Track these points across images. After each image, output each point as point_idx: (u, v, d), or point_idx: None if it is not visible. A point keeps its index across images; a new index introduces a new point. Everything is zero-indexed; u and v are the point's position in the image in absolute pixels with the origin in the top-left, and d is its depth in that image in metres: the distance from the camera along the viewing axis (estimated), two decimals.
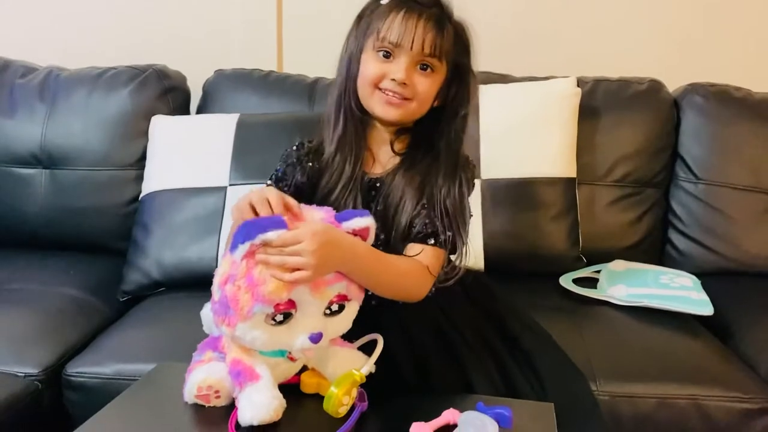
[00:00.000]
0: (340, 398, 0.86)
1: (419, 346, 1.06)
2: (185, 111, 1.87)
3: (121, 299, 1.60)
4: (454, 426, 0.85)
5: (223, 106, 1.80)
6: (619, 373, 1.24)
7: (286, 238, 0.86)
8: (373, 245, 0.98)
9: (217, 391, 0.90)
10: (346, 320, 0.95)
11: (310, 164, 1.13)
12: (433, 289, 1.07)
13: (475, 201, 1.54)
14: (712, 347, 1.36)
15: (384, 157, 1.14)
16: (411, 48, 1.04)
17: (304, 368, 0.96)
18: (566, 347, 1.16)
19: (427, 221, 1.06)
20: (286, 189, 1.11)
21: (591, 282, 1.58)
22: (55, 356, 1.31)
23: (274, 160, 1.18)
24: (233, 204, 0.94)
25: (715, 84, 1.79)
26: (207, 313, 0.98)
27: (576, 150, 1.67)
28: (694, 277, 1.59)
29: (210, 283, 0.91)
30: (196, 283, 1.46)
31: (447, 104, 1.12)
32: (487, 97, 1.63)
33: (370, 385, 0.91)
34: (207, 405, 0.90)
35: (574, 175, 1.66)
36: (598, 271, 1.62)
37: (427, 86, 1.07)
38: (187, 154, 1.68)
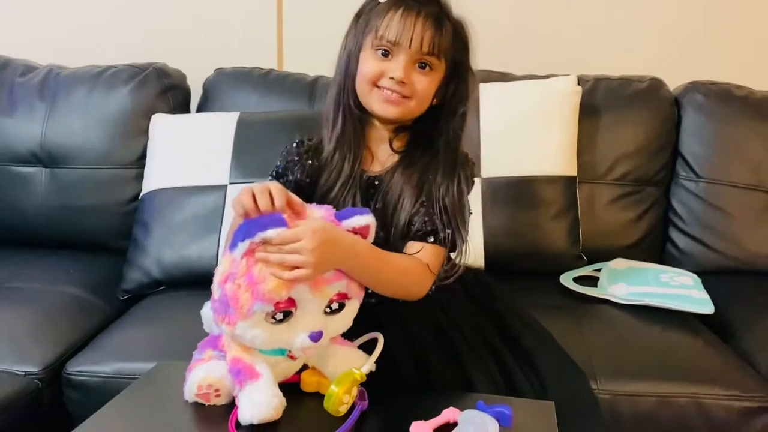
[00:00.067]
0: (340, 397, 0.86)
1: (419, 345, 1.06)
2: (185, 109, 1.87)
3: (121, 298, 1.60)
4: (455, 425, 0.85)
5: (223, 105, 1.80)
6: (619, 372, 1.24)
7: (286, 236, 0.86)
8: (372, 243, 0.98)
9: (217, 390, 0.89)
10: (346, 319, 0.94)
11: (310, 162, 1.13)
12: (433, 287, 1.07)
13: (475, 199, 1.54)
14: (713, 346, 1.36)
15: (383, 155, 1.14)
16: (409, 46, 1.04)
17: (305, 367, 0.96)
18: (567, 346, 1.16)
19: (426, 219, 1.06)
20: (285, 186, 1.10)
21: (591, 280, 1.58)
22: (55, 355, 1.31)
23: (274, 159, 1.18)
24: (235, 197, 0.93)
25: (716, 82, 1.79)
26: (207, 311, 0.98)
27: (576, 148, 1.67)
28: (694, 275, 1.59)
29: (210, 281, 0.90)
30: (197, 282, 1.47)
31: (446, 102, 1.12)
32: (488, 95, 1.64)
33: (370, 383, 0.90)
34: (207, 404, 0.90)
35: (574, 173, 1.66)
36: (599, 270, 1.62)
37: (425, 84, 1.07)
38: (187, 152, 1.68)
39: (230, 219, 1.12)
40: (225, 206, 1.58)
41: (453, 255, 1.10)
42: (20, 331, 1.36)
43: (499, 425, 0.84)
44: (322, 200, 1.08)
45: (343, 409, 0.87)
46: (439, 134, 1.11)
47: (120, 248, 1.70)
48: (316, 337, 0.89)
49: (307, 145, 1.15)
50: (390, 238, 1.07)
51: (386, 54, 1.06)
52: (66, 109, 1.77)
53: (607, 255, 1.66)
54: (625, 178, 1.72)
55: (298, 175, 1.12)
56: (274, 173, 1.14)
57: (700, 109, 1.75)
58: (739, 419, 1.20)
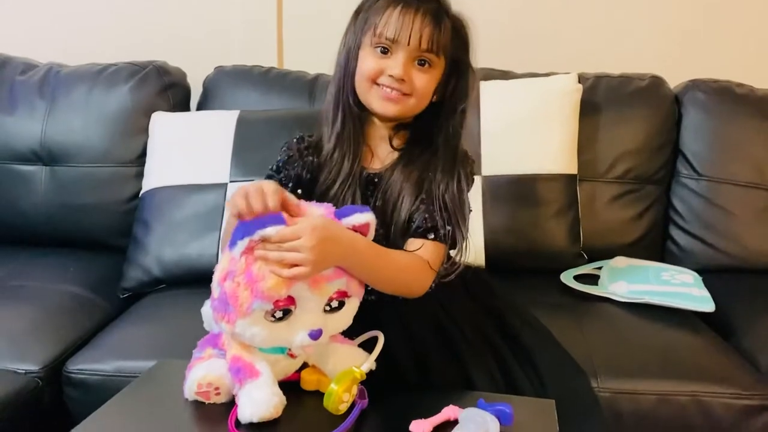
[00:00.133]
0: (340, 395, 0.86)
1: (419, 343, 1.06)
2: (185, 107, 1.87)
3: (121, 296, 1.60)
4: (455, 423, 0.84)
5: (223, 103, 1.80)
6: (619, 370, 1.24)
7: (285, 234, 0.85)
8: (372, 241, 0.98)
9: (217, 388, 0.89)
10: (346, 317, 0.94)
11: (310, 158, 1.12)
12: (433, 285, 1.07)
13: (475, 197, 1.54)
14: (713, 344, 1.36)
15: (383, 152, 1.14)
16: (408, 43, 1.04)
17: (305, 365, 0.96)
18: (567, 344, 1.16)
19: (426, 216, 1.06)
20: (285, 180, 1.11)
21: (592, 279, 1.57)
22: (55, 353, 1.31)
23: (274, 157, 1.17)
24: (230, 196, 0.92)
25: (717, 80, 1.79)
26: (207, 309, 0.97)
27: (577, 146, 1.67)
28: (695, 273, 1.59)
29: (210, 279, 0.90)
30: (197, 280, 1.47)
31: (446, 99, 1.12)
32: (488, 93, 1.64)
33: (370, 382, 0.90)
34: (207, 402, 0.90)
35: (575, 171, 1.66)
36: (599, 268, 1.61)
37: (425, 82, 1.07)
38: (187, 150, 1.68)
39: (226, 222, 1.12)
40: (225, 204, 1.58)
41: (453, 253, 1.09)
42: (20, 330, 1.36)
43: (500, 423, 0.84)
44: (322, 198, 1.08)
45: (343, 408, 0.87)
46: (438, 131, 1.11)
47: (120, 246, 1.69)
48: (315, 335, 0.88)
49: (307, 141, 1.15)
50: (390, 236, 1.07)
51: (385, 51, 1.06)
52: (66, 107, 1.76)
53: (608, 253, 1.66)
54: (625, 176, 1.72)
55: (299, 171, 1.11)
56: (274, 167, 1.14)
57: (700, 107, 1.75)
58: (740, 417, 1.20)
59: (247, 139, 1.64)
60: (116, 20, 2.04)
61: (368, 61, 1.07)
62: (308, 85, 1.82)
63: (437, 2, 1.07)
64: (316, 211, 0.94)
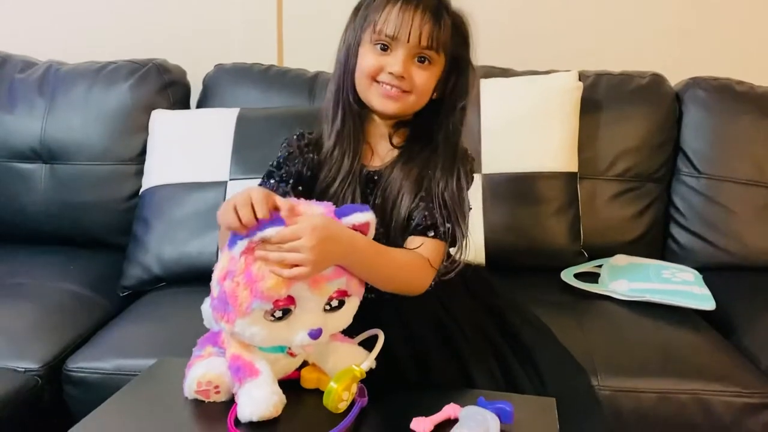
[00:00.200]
0: (339, 394, 0.86)
1: (419, 341, 1.06)
2: (185, 105, 1.87)
3: (121, 294, 1.60)
4: (455, 421, 0.84)
5: (223, 101, 1.79)
6: (620, 368, 1.24)
7: (285, 234, 0.85)
8: (372, 239, 0.97)
9: (216, 387, 0.89)
10: (346, 316, 0.94)
11: (311, 156, 1.12)
12: (433, 283, 1.07)
13: (475, 195, 1.54)
14: (714, 342, 1.36)
15: (383, 150, 1.13)
16: (408, 40, 1.04)
17: (305, 363, 0.96)
18: (567, 342, 1.16)
19: (426, 213, 1.06)
20: (285, 177, 1.10)
21: (592, 277, 1.57)
22: (55, 351, 1.31)
23: (274, 155, 1.17)
24: (219, 211, 0.88)
25: (718, 78, 1.79)
26: (207, 307, 0.97)
27: (577, 144, 1.66)
28: (695, 271, 1.58)
29: (210, 278, 0.90)
30: (197, 278, 1.47)
31: (445, 97, 1.11)
32: (488, 91, 1.64)
33: (370, 380, 0.90)
34: (207, 400, 0.90)
35: (575, 169, 1.66)
36: (600, 266, 1.61)
37: (425, 79, 1.07)
38: (187, 148, 1.67)
39: None
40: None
41: (453, 251, 1.09)
42: (20, 328, 1.36)
43: (500, 422, 0.84)
44: (322, 195, 1.08)
45: (342, 406, 0.87)
46: (438, 129, 1.11)
47: (120, 244, 1.69)
48: (315, 334, 0.88)
49: (307, 138, 1.15)
50: (390, 234, 1.07)
51: (385, 48, 1.06)
52: (65, 105, 1.76)
53: (608, 251, 1.66)
54: (626, 174, 1.72)
55: (299, 168, 1.11)
56: (274, 164, 1.13)
57: (701, 105, 1.75)
58: (741, 416, 1.20)
59: (247, 137, 1.64)
60: (116, 18, 2.03)
61: (368, 59, 1.06)
62: (308, 83, 1.81)
63: None
64: (316, 210, 0.93)
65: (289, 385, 0.90)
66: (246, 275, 0.85)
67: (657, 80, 1.78)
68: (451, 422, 0.84)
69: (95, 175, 1.74)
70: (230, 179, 1.61)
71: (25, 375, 1.25)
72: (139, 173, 1.72)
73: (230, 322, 0.87)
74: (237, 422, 0.84)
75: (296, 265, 0.85)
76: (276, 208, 0.87)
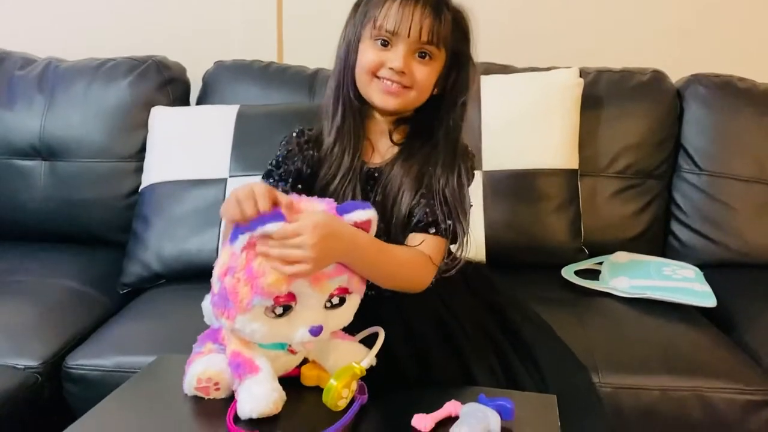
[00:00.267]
0: (339, 391, 0.85)
1: (420, 339, 1.05)
2: (185, 102, 1.86)
3: (121, 291, 1.60)
4: (456, 418, 0.84)
5: (223, 98, 1.79)
6: (621, 365, 1.24)
7: (287, 231, 0.85)
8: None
9: (216, 384, 0.89)
10: (347, 313, 0.94)
11: (310, 152, 1.12)
12: (434, 280, 1.06)
13: (476, 192, 1.54)
14: (715, 339, 1.36)
15: (383, 147, 1.13)
16: (408, 36, 1.03)
17: (305, 360, 0.95)
18: (568, 339, 1.16)
19: (427, 210, 1.05)
20: (285, 175, 1.10)
21: (593, 274, 1.57)
22: (55, 348, 1.31)
23: (274, 151, 1.16)
24: (222, 206, 0.90)
25: (719, 74, 1.78)
26: (207, 304, 0.97)
27: (578, 141, 1.66)
28: (696, 268, 1.58)
29: (210, 275, 0.90)
30: (197, 275, 1.47)
31: (446, 92, 1.11)
32: (489, 88, 1.63)
33: (371, 378, 0.90)
34: (206, 397, 0.90)
35: (576, 166, 1.65)
36: (601, 263, 1.61)
37: (425, 74, 1.06)
38: (187, 145, 1.67)
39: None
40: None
41: (454, 248, 1.09)
42: (20, 325, 1.36)
43: (501, 419, 0.83)
44: (322, 192, 1.08)
45: (342, 404, 0.87)
46: (439, 125, 1.11)
47: (120, 242, 1.69)
48: (316, 331, 0.88)
49: (307, 135, 1.14)
50: (390, 231, 1.06)
51: (385, 44, 1.05)
52: (65, 102, 1.76)
53: (609, 248, 1.66)
54: (626, 171, 1.72)
55: (299, 165, 1.11)
56: (273, 162, 1.13)
57: (702, 102, 1.75)
58: (742, 413, 1.20)
59: (247, 134, 1.64)
60: (116, 15, 2.03)
61: (368, 54, 1.06)
62: (308, 80, 1.81)
63: None
64: (318, 207, 0.93)
65: (290, 382, 0.90)
66: (247, 271, 0.84)
67: (658, 77, 1.77)
68: (452, 419, 0.84)
69: (95, 172, 1.74)
70: (230, 176, 1.61)
71: (24, 372, 1.25)
72: (139, 170, 1.71)
73: (231, 318, 0.86)
74: (237, 419, 0.84)
75: (297, 262, 0.84)
76: (277, 204, 0.88)
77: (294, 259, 0.84)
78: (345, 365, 0.88)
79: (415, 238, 1.05)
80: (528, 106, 1.65)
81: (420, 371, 1.02)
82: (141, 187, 1.68)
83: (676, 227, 1.74)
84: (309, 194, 1.00)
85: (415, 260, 1.03)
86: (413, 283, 1.04)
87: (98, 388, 1.20)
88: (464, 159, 1.11)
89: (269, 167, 1.13)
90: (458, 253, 1.09)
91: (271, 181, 1.11)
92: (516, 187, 1.61)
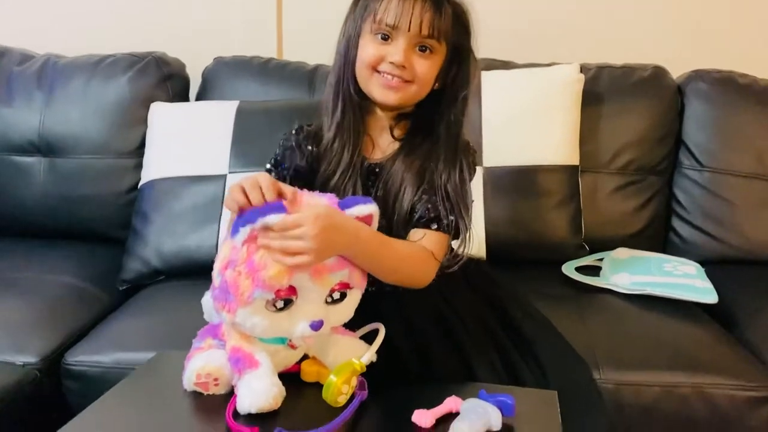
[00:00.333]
0: (339, 387, 0.85)
1: (420, 334, 1.05)
2: (184, 98, 1.86)
3: (120, 288, 1.59)
4: (457, 414, 0.84)
5: (222, 94, 1.78)
6: (622, 362, 1.23)
7: (287, 223, 0.84)
8: None
9: (216, 379, 0.89)
10: (348, 309, 0.94)
11: (309, 148, 1.11)
12: (435, 276, 1.06)
13: (477, 188, 1.54)
14: (717, 335, 1.35)
15: (384, 142, 1.13)
16: (409, 29, 1.03)
17: (305, 357, 0.95)
18: (569, 336, 1.15)
19: (429, 206, 1.05)
20: (285, 173, 1.10)
21: (594, 270, 1.57)
22: (54, 345, 1.30)
23: (273, 148, 1.16)
24: (226, 196, 0.91)
25: (720, 70, 1.78)
26: (207, 300, 0.97)
27: (579, 137, 1.66)
28: (697, 264, 1.58)
29: (210, 271, 0.89)
30: (196, 272, 1.47)
31: (447, 87, 1.10)
32: (489, 83, 1.63)
33: (371, 373, 0.90)
34: (206, 393, 0.89)
35: (576, 162, 1.65)
36: (601, 259, 1.61)
37: (426, 68, 1.06)
38: (186, 141, 1.67)
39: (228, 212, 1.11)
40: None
41: (455, 244, 1.08)
42: (19, 321, 1.35)
43: (502, 415, 0.83)
44: (322, 188, 1.06)
45: (341, 400, 0.86)
46: (440, 120, 1.10)
47: (119, 238, 1.69)
48: (316, 326, 0.88)
49: (306, 131, 1.14)
50: (392, 227, 1.06)
51: (386, 38, 1.05)
52: (64, 98, 1.75)
53: (610, 244, 1.66)
54: (627, 167, 1.71)
55: (297, 162, 1.10)
56: (272, 161, 1.13)
57: (703, 98, 1.74)
58: (744, 409, 1.19)
59: (247, 130, 1.63)
60: (115, 11, 2.02)
61: (368, 49, 1.06)
62: (308, 76, 1.81)
63: None
64: (320, 201, 0.93)
65: (290, 378, 0.89)
66: (248, 264, 0.84)
67: (659, 73, 1.77)
68: (453, 415, 0.84)
69: (94, 169, 1.73)
70: (229, 172, 1.60)
71: (24, 369, 1.24)
72: (138, 166, 1.71)
73: (231, 311, 0.86)
74: (236, 414, 0.84)
75: (299, 254, 0.84)
76: (282, 195, 0.88)
77: (295, 251, 0.84)
78: (345, 361, 0.88)
79: (416, 234, 1.04)
80: (529, 103, 1.64)
81: (420, 367, 1.02)
82: (140, 184, 1.68)
83: (677, 223, 1.73)
84: (309, 191, 1.00)
85: (418, 255, 1.02)
86: (415, 278, 1.03)
87: (97, 384, 1.19)
88: (466, 154, 1.11)
89: (268, 167, 1.13)
90: (460, 250, 1.09)
91: None
92: (517, 183, 1.60)
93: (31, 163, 1.76)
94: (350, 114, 1.10)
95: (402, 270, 1.01)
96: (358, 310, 0.95)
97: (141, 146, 1.72)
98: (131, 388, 0.96)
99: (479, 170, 1.55)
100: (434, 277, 1.05)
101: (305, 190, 0.94)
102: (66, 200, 1.74)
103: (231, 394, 0.87)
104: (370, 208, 0.94)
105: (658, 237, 1.74)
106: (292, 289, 0.86)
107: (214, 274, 0.88)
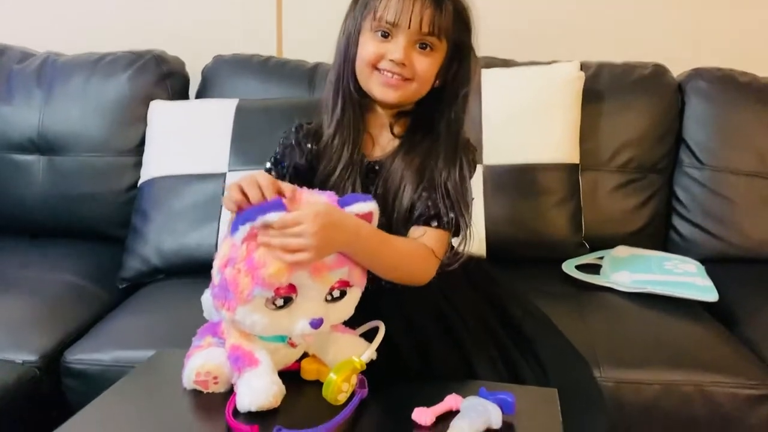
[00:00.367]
0: (339, 385, 0.85)
1: (420, 332, 1.05)
2: (184, 96, 1.86)
3: (120, 286, 1.59)
4: (457, 412, 0.84)
5: (222, 92, 1.78)
6: (622, 360, 1.23)
7: (287, 220, 0.84)
8: None
9: (215, 377, 0.89)
10: (347, 307, 0.94)
11: (309, 146, 1.11)
12: (435, 273, 1.06)
13: (477, 187, 1.53)
14: (717, 333, 1.35)
15: (384, 140, 1.12)
16: (409, 27, 1.03)
17: (305, 355, 0.95)
18: (569, 334, 1.15)
19: (429, 203, 1.05)
20: (284, 171, 1.10)
21: (594, 268, 1.57)
22: (54, 343, 1.30)
23: (273, 146, 1.16)
24: (225, 196, 0.91)
25: (720, 69, 1.78)
26: (207, 298, 0.97)
27: (579, 135, 1.65)
28: (698, 263, 1.58)
29: (209, 269, 0.89)
30: (196, 270, 1.47)
31: (447, 84, 1.10)
32: (490, 81, 1.63)
33: (371, 371, 0.89)
34: (206, 391, 0.89)
35: (577, 160, 1.65)
36: (602, 258, 1.61)
37: (426, 65, 1.05)
38: (186, 139, 1.66)
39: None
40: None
41: (456, 242, 1.08)
42: (19, 320, 1.35)
43: (502, 412, 0.83)
44: (322, 186, 1.07)
45: (342, 398, 0.86)
46: (440, 117, 1.10)
47: (119, 236, 1.69)
48: (316, 324, 0.88)
49: (306, 129, 1.14)
50: (392, 224, 1.06)
51: (386, 36, 1.04)
52: (63, 96, 1.75)
53: (610, 242, 1.65)
54: (628, 165, 1.71)
55: (297, 160, 1.10)
56: (272, 159, 1.13)
57: (703, 96, 1.74)
58: (744, 407, 1.19)
59: (246, 128, 1.63)
60: (115, 9, 2.02)
61: (368, 46, 1.05)
62: (307, 74, 1.80)
63: None
64: (319, 199, 0.92)
65: (289, 376, 0.89)
66: (247, 262, 0.84)
67: (659, 71, 1.77)
68: (453, 413, 0.84)
69: (93, 167, 1.73)
70: (229, 170, 1.60)
71: (23, 367, 1.24)
72: (138, 165, 1.71)
73: (231, 309, 0.86)
74: (236, 412, 0.84)
75: (299, 251, 0.84)
76: (281, 193, 0.88)
77: (295, 248, 0.84)
78: (345, 359, 0.88)
79: (417, 232, 1.04)
80: (529, 101, 1.64)
81: (421, 365, 1.02)
82: (140, 182, 1.68)
83: (677, 222, 1.73)
84: (308, 188, 1.00)
85: (418, 253, 1.02)
86: (415, 276, 1.03)
87: (97, 382, 1.19)
88: (466, 152, 1.10)
89: (268, 165, 1.13)
90: (461, 247, 1.08)
91: None
92: (517, 182, 1.60)
93: (30, 161, 1.75)
94: (350, 112, 1.10)
95: (402, 267, 1.01)
96: (358, 308, 0.95)
97: (141, 144, 1.72)
98: (131, 386, 0.96)
99: (479, 168, 1.55)
100: (434, 274, 1.05)
101: (305, 188, 0.94)
102: (65, 198, 1.74)
103: (231, 392, 0.87)
104: (370, 206, 0.94)
105: (658, 235, 1.74)
106: (292, 287, 0.86)
107: (214, 272, 0.88)
